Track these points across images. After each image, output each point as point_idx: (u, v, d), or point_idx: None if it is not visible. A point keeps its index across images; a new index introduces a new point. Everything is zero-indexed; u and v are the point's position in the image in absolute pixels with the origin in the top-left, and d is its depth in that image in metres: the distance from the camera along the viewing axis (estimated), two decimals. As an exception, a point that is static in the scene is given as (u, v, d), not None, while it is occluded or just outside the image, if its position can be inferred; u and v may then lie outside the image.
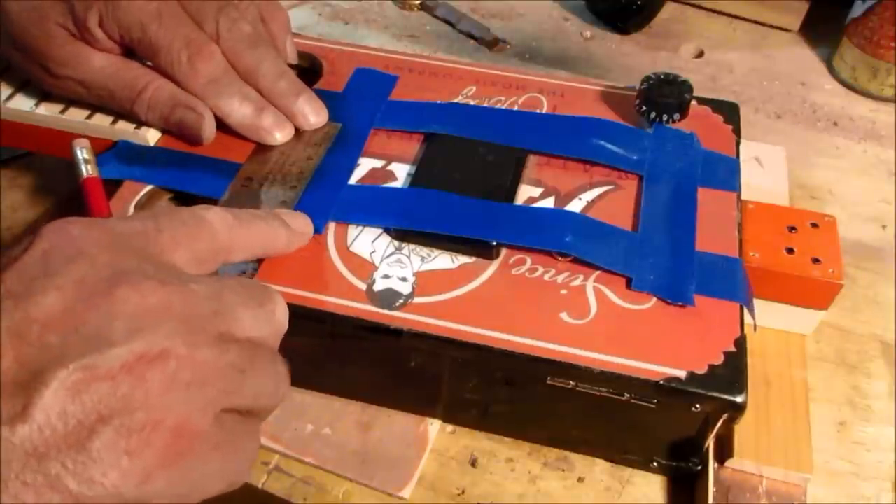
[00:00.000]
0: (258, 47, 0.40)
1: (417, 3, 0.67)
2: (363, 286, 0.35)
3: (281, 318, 0.27)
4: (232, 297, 0.25)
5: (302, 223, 0.35)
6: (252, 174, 0.39)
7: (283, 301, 0.28)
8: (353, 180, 0.39)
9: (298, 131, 0.41)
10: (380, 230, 0.37)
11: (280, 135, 0.40)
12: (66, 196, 0.48)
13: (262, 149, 0.40)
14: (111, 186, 0.38)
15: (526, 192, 0.39)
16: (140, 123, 0.40)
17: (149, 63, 0.39)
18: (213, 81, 0.39)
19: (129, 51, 0.39)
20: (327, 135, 0.41)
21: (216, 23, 0.39)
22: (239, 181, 0.38)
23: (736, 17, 0.66)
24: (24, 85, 0.42)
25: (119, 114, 0.41)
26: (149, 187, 0.38)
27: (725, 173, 0.40)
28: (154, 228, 0.26)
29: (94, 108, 0.41)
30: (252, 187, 0.38)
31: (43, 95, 0.42)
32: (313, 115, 0.41)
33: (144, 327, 0.22)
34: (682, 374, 0.32)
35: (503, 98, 0.44)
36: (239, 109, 0.39)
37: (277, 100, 0.40)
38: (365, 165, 0.40)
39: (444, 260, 0.36)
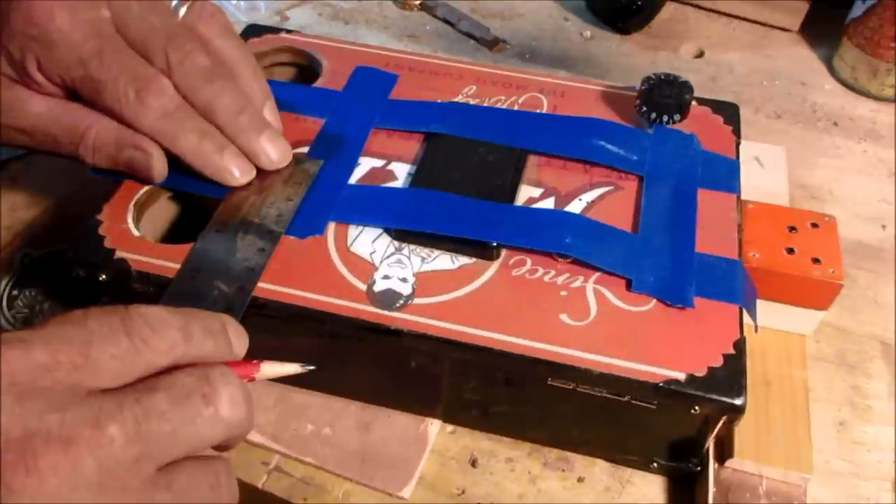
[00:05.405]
0: (215, 80, 0.37)
1: (417, 3, 0.67)
2: (363, 287, 0.35)
3: (230, 415, 0.25)
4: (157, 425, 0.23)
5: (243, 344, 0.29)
6: (227, 218, 0.36)
7: (236, 389, 0.25)
8: (353, 179, 0.39)
9: (279, 169, 0.38)
10: (380, 230, 0.37)
11: (241, 175, 0.37)
12: (66, 196, 0.48)
13: (236, 189, 0.37)
14: (111, 186, 0.38)
15: (526, 193, 0.39)
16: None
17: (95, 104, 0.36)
18: (165, 116, 0.36)
19: (74, 93, 0.36)
20: (308, 173, 0.39)
21: (165, 55, 0.36)
22: (213, 226, 0.36)
23: (736, 17, 0.66)
24: None
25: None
26: (147, 187, 0.38)
27: (725, 174, 0.40)
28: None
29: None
30: (227, 233, 0.35)
31: None
32: (276, 153, 0.38)
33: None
34: (681, 376, 0.32)
35: (503, 97, 0.44)
36: (197, 146, 0.36)
37: (237, 137, 0.37)
38: (365, 165, 0.40)
39: (444, 261, 0.36)
